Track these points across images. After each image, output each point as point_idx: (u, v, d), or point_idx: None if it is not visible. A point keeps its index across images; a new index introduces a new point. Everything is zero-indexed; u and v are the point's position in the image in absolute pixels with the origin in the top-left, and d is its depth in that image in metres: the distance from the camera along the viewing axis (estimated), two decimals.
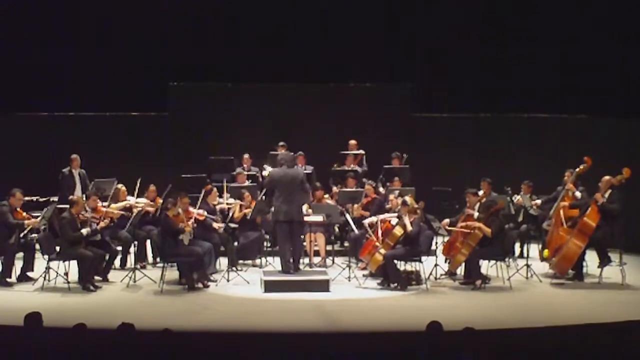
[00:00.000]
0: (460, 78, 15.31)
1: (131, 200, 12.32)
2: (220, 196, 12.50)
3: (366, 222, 11.85)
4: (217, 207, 12.36)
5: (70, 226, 10.91)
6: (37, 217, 11.69)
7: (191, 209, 11.57)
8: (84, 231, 10.95)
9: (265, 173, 13.32)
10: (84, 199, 11.94)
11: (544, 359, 7.11)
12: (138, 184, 12.29)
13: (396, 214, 11.35)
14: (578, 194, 11.72)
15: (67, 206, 11.37)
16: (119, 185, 12.41)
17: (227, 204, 12.42)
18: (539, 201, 12.38)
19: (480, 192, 12.24)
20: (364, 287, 11.19)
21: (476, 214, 11.27)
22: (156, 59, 15.09)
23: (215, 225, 11.94)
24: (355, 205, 12.48)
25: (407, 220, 10.97)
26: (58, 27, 14.91)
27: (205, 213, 11.86)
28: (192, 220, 11.33)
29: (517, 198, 12.58)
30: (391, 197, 12.08)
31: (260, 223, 12.37)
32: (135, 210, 12.00)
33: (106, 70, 14.94)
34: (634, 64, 14.37)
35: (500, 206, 11.38)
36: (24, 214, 11.50)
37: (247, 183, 13.23)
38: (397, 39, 15.44)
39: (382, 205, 12.51)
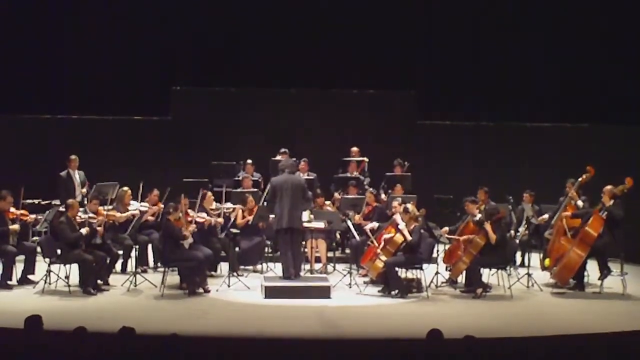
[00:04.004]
0: (463, 86, 15.33)
1: (135, 205, 12.31)
2: (219, 202, 12.50)
3: (368, 227, 11.88)
4: (216, 213, 12.35)
5: (69, 228, 10.91)
6: (37, 217, 11.77)
7: (191, 212, 11.59)
8: (83, 230, 10.94)
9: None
10: (86, 201, 11.97)
11: None
12: (141, 188, 12.30)
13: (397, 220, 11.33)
14: (580, 203, 11.72)
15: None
16: (125, 188, 12.39)
17: (226, 209, 12.41)
18: (546, 216, 12.33)
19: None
20: (365, 294, 11.18)
21: (478, 216, 11.24)
22: (159, 63, 15.12)
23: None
24: (357, 216, 12.47)
25: (406, 231, 10.96)
26: (61, 29, 14.94)
27: (206, 215, 11.89)
28: (193, 223, 11.34)
29: (526, 212, 12.54)
30: (395, 203, 12.07)
31: (262, 228, 12.36)
32: (137, 215, 12.01)
33: (109, 74, 14.95)
34: (634, 72, 14.40)
35: (502, 214, 11.37)
36: (18, 211, 11.48)
37: (251, 189, 13.25)
38: (400, 46, 15.46)
39: (383, 213, 12.51)
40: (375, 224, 12.07)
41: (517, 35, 15.13)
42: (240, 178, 13.63)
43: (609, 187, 11.37)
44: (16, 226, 11.33)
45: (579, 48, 14.86)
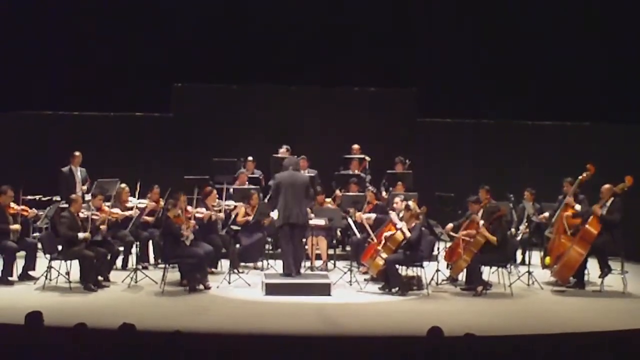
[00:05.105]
0: (464, 84, 15.31)
1: (133, 201, 12.32)
2: (221, 198, 12.50)
3: (364, 217, 11.88)
4: (218, 209, 12.36)
5: (68, 224, 10.91)
6: (38, 212, 11.79)
7: (190, 208, 11.59)
8: (81, 235, 10.89)
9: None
10: (91, 197, 11.99)
11: None
12: (138, 187, 12.27)
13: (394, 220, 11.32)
14: (578, 207, 11.68)
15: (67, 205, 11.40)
16: (122, 185, 12.42)
17: (227, 205, 12.43)
18: (546, 214, 12.33)
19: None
20: (365, 292, 11.18)
21: (482, 222, 11.23)
22: (161, 59, 15.11)
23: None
24: (358, 213, 12.46)
25: (405, 230, 10.96)
26: (62, 25, 14.92)
27: (205, 210, 11.89)
28: (192, 219, 11.34)
29: (527, 210, 12.52)
30: (397, 200, 12.05)
31: (264, 225, 12.35)
32: (137, 211, 12.01)
33: (111, 71, 14.93)
34: (635, 71, 14.40)
35: (502, 212, 11.37)
36: (19, 207, 11.49)
37: (247, 185, 13.25)
38: (401, 44, 15.45)
39: (384, 211, 12.50)
40: (372, 215, 12.08)
41: (518, 33, 15.12)
42: (237, 174, 13.61)
43: (607, 185, 11.37)
44: (17, 226, 11.35)
45: (580, 46, 14.85)
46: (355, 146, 14.44)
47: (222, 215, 12.33)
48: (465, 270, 11.33)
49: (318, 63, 15.20)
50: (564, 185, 12.18)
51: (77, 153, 13.53)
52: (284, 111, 15.51)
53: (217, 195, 12.39)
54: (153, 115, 15.61)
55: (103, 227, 11.27)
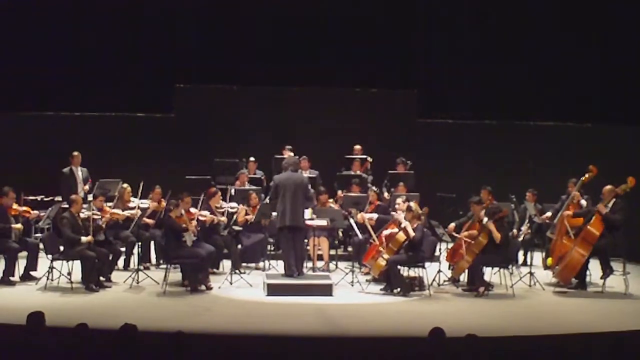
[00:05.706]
0: (465, 84, 15.32)
1: (136, 201, 12.32)
2: (225, 200, 12.50)
3: (367, 217, 11.86)
4: (221, 211, 12.35)
5: (70, 226, 10.91)
6: (39, 213, 11.79)
7: (193, 210, 11.59)
8: (84, 239, 10.88)
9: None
10: (92, 197, 12.00)
11: None
12: (141, 188, 12.27)
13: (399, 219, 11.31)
14: (583, 202, 11.70)
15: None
16: (124, 185, 12.42)
17: (231, 207, 12.43)
18: (549, 214, 12.33)
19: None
20: (367, 292, 11.18)
21: (485, 219, 11.22)
22: (163, 60, 15.12)
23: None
24: (360, 214, 12.45)
25: (409, 228, 10.95)
26: (64, 26, 14.93)
27: (208, 214, 11.89)
28: (195, 221, 11.34)
29: (529, 211, 12.51)
30: (399, 200, 12.05)
31: (265, 226, 12.35)
32: (139, 212, 12.01)
33: (113, 71, 14.94)
34: (637, 71, 14.40)
35: (504, 213, 11.37)
36: (21, 208, 11.50)
37: (247, 185, 13.25)
38: (402, 45, 15.46)
39: (386, 211, 12.51)
40: (375, 215, 12.07)
41: (520, 33, 15.12)
42: (237, 175, 13.60)
43: (608, 187, 11.37)
44: (19, 225, 11.37)
45: (582, 47, 14.85)
46: (357, 147, 14.45)
47: (224, 218, 12.29)
48: (467, 271, 11.33)
49: (319, 64, 15.21)
50: (569, 185, 12.19)
51: (75, 153, 13.54)
52: (286, 112, 15.53)
53: (221, 197, 12.36)
54: (155, 116, 15.62)
55: (105, 219, 11.29)
